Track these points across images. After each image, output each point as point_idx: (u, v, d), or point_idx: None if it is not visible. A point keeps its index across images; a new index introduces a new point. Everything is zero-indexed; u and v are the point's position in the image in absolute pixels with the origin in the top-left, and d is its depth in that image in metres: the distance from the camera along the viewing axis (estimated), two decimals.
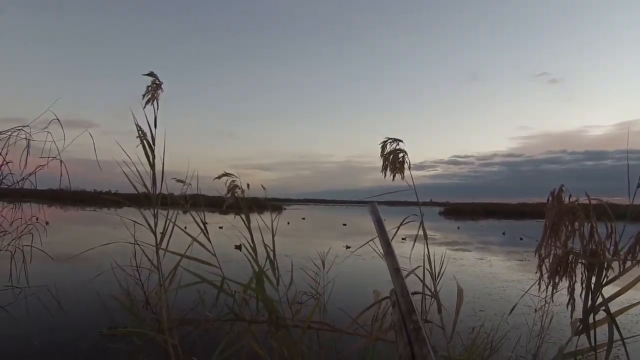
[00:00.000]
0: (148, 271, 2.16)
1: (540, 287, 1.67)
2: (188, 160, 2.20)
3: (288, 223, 24.73)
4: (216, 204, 2.20)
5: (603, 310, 1.53)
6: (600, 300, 1.53)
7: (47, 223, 2.65)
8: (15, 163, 2.33)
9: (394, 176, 2.07)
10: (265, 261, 2.01)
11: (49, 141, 2.32)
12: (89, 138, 2.36)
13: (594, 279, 1.53)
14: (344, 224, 28.22)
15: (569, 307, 1.59)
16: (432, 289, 2.05)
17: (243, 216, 2.08)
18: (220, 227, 11.56)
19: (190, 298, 2.16)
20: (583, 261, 1.55)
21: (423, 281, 2.07)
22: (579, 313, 1.58)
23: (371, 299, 2.08)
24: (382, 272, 0.57)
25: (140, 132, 2.08)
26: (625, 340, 1.47)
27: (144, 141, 2.09)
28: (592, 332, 1.54)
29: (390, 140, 2.09)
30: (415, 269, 2.07)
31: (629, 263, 1.51)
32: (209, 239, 2.10)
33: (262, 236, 2.05)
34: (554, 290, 1.63)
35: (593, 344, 1.52)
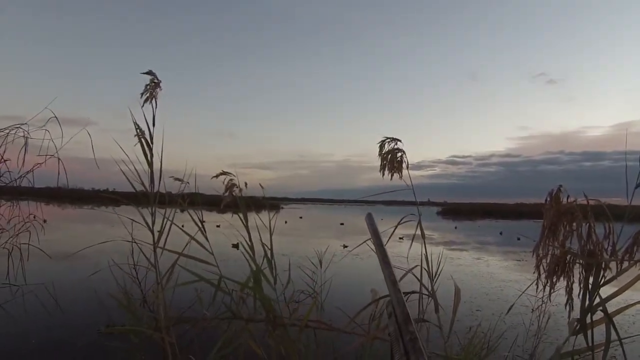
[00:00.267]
0: (145, 269, 2.16)
1: (537, 287, 1.67)
2: (186, 159, 2.19)
3: (285, 222, 24.70)
4: (214, 203, 2.20)
5: (600, 310, 1.53)
6: (597, 300, 1.53)
7: (44, 221, 2.64)
8: (13, 161, 2.33)
9: (392, 176, 2.07)
10: (263, 260, 2.01)
11: (47, 139, 2.31)
12: (87, 136, 2.35)
13: (591, 279, 1.53)
14: (342, 223, 28.20)
15: (567, 307, 1.60)
16: (430, 289, 2.05)
17: (241, 215, 2.08)
18: (218, 226, 11.55)
19: (188, 296, 2.15)
20: (581, 261, 1.55)
21: (420, 281, 2.07)
22: (576, 313, 1.59)
23: (368, 298, 2.09)
24: (379, 271, 0.57)
25: (138, 130, 2.07)
26: (622, 341, 1.48)
27: (142, 139, 2.08)
28: (589, 332, 1.54)
29: (389, 140, 2.08)
30: (413, 268, 2.07)
31: (626, 263, 1.51)
32: (206, 238, 2.09)
33: (259, 235, 2.05)
34: (552, 290, 1.63)
35: (590, 344, 1.52)
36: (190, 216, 2.14)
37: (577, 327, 1.57)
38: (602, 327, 1.52)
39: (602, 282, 1.52)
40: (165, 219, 2.10)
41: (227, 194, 2.06)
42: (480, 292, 7.83)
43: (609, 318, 1.49)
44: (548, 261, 1.62)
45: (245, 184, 2.10)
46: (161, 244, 2.07)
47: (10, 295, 2.47)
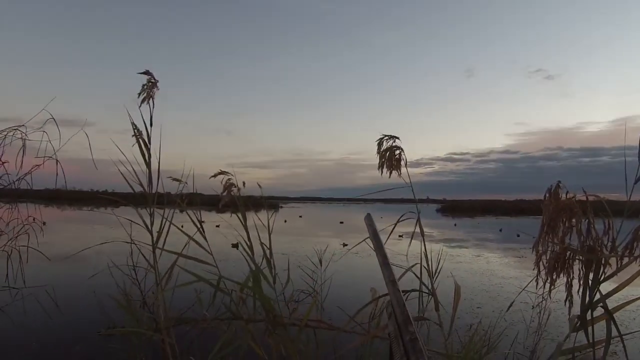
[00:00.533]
0: (145, 270, 2.15)
1: (537, 283, 1.67)
2: (184, 159, 2.19)
3: (285, 221, 24.72)
4: (213, 203, 2.19)
5: (601, 306, 1.53)
6: (598, 296, 1.53)
7: (43, 223, 2.63)
8: (12, 163, 2.33)
9: (390, 173, 2.06)
10: (262, 259, 2.00)
11: (44, 141, 2.31)
12: (85, 137, 2.35)
13: (591, 276, 1.53)
14: (341, 222, 28.20)
15: (567, 303, 1.59)
16: (430, 286, 2.05)
17: (239, 215, 2.07)
18: (217, 226, 11.54)
19: (187, 297, 2.15)
20: (581, 257, 1.55)
21: (420, 278, 2.07)
22: (576, 310, 1.58)
23: (368, 296, 2.08)
24: (379, 270, 0.57)
25: (135, 130, 2.07)
26: (623, 337, 1.47)
27: (140, 140, 2.08)
28: (590, 328, 1.54)
29: (387, 137, 2.08)
30: (413, 266, 2.06)
31: (626, 259, 1.51)
32: (205, 238, 2.09)
33: (258, 234, 2.04)
34: (552, 287, 1.63)
35: (591, 341, 1.52)
36: (189, 216, 2.13)
37: (578, 324, 1.57)
38: (603, 323, 1.52)
39: (602, 278, 1.52)
40: (164, 220, 2.10)
41: (225, 193, 2.06)
42: (481, 289, 7.83)
43: (609, 314, 1.49)
44: (548, 258, 1.62)
45: (244, 183, 2.09)
46: (160, 244, 2.07)
47: (10, 298, 2.47)
